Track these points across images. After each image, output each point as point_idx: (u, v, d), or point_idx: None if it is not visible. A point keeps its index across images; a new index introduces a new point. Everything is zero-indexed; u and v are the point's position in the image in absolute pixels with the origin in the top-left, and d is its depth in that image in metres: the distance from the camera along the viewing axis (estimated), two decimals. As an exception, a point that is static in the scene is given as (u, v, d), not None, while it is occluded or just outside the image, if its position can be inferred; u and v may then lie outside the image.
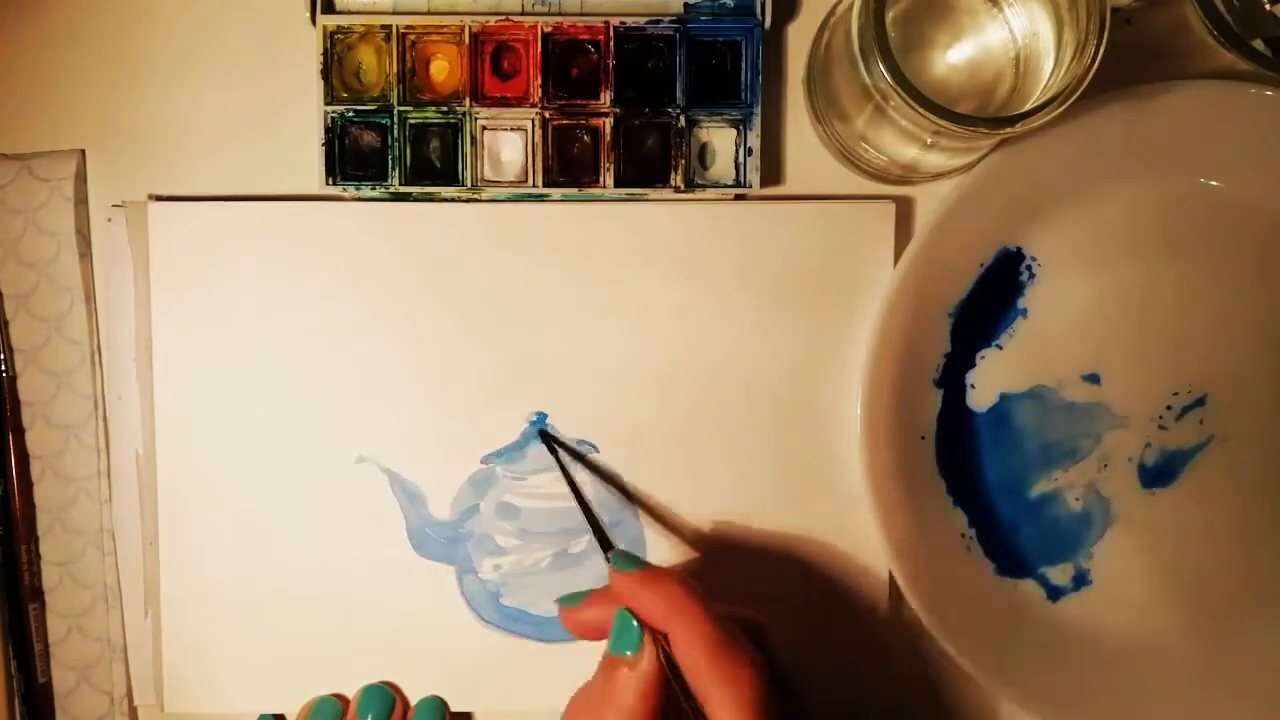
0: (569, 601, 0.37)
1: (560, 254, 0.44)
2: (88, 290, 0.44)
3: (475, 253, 0.44)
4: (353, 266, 0.43)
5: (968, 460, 0.45)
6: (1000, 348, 0.44)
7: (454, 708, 0.44)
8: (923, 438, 0.44)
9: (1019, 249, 0.44)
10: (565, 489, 0.43)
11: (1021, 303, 0.44)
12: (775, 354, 0.44)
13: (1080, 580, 0.45)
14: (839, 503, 0.44)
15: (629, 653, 0.34)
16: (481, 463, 0.44)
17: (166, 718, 0.45)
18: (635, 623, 0.35)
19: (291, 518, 0.44)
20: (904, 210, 0.44)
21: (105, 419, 0.44)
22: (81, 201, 0.44)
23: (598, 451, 0.44)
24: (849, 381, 0.44)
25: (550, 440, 0.43)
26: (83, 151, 0.44)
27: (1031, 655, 0.44)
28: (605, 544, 0.38)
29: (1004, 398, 0.44)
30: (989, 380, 0.44)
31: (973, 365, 0.44)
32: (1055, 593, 0.45)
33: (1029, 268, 0.44)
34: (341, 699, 0.44)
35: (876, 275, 0.43)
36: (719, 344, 0.44)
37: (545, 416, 0.44)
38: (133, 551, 0.44)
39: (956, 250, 0.43)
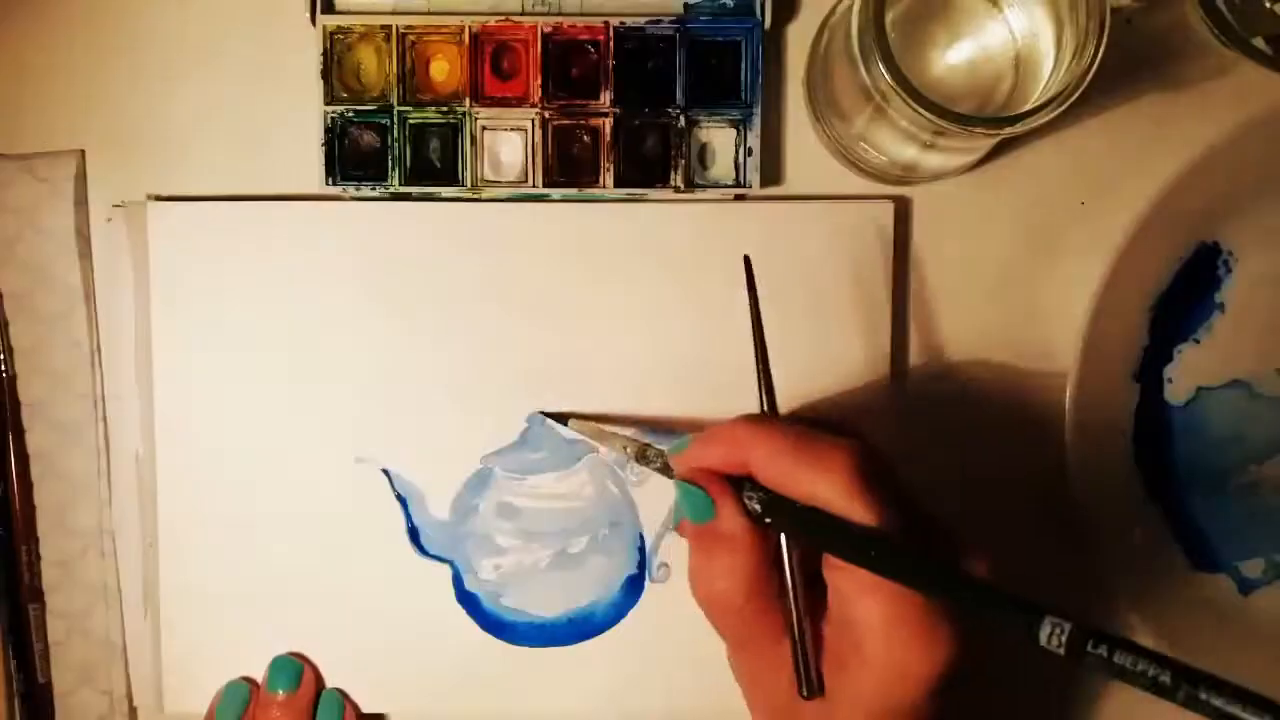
0: (674, 522, 0.38)
1: (560, 254, 0.44)
2: (87, 291, 0.44)
3: (475, 253, 0.43)
4: (352, 266, 0.43)
5: (1164, 454, 0.45)
6: (1197, 341, 0.45)
7: (451, 708, 0.44)
8: (1122, 432, 0.45)
9: (1216, 243, 0.44)
10: (564, 489, 0.43)
11: (1218, 297, 0.45)
12: (774, 353, 0.44)
13: (1274, 573, 0.46)
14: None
15: (709, 518, 0.34)
16: (481, 463, 0.44)
17: (166, 718, 0.44)
18: (698, 488, 0.35)
19: (291, 518, 0.44)
20: (902, 210, 0.44)
21: (105, 419, 0.44)
22: (81, 202, 0.44)
23: (597, 452, 0.44)
24: (846, 380, 0.44)
25: None
26: (82, 152, 0.44)
27: (1223, 648, 0.44)
28: (659, 455, 0.39)
29: (1201, 391, 0.45)
30: (1186, 374, 0.45)
31: (1170, 359, 0.45)
32: (1247, 586, 0.46)
33: (1225, 262, 0.45)
34: (250, 681, 0.44)
35: (875, 274, 0.43)
36: (718, 344, 0.44)
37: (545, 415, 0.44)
38: (132, 552, 0.44)
39: (1158, 246, 0.43)
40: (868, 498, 0.32)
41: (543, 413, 0.43)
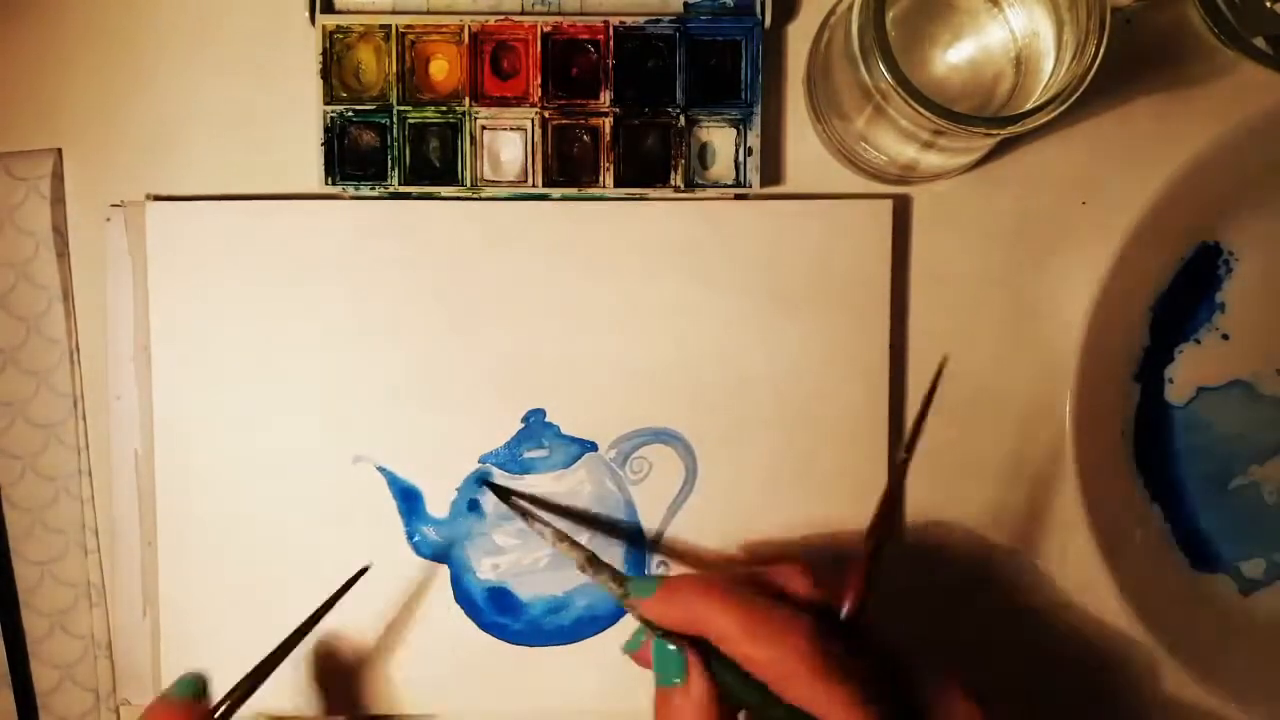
0: (629, 648, 0.37)
1: (560, 254, 0.44)
2: (65, 289, 0.44)
3: (475, 253, 0.43)
4: (352, 266, 0.43)
5: (1165, 455, 0.45)
6: (1198, 342, 0.45)
7: (450, 707, 0.44)
8: (1122, 432, 0.45)
9: (1216, 243, 0.45)
10: (563, 489, 0.44)
11: (1219, 297, 0.45)
12: (774, 352, 0.44)
13: (1274, 573, 0.46)
14: (837, 501, 0.44)
15: (677, 681, 0.34)
16: (479, 462, 0.44)
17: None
18: (672, 648, 0.34)
19: (289, 517, 0.44)
20: (902, 210, 0.44)
21: (84, 417, 0.44)
22: (59, 200, 0.44)
23: (597, 450, 0.44)
24: (845, 379, 0.44)
25: (500, 490, 0.43)
26: (59, 150, 0.44)
27: (1225, 648, 0.44)
28: (619, 578, 0.37)
29: (1201, 392, 0.45)
30: (1187, 374, 0.45)
31: (1171, 360, 0.45)
32: (1248, 586, 0.46)
33: (1225, 262, 0.45)
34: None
35: (875, 274, 0.43)
36: (718, 343, 0.44)
37: (544, 413, 0.44)
38: (130, 551, 0.44)
39: (1158, 246, 0.43)
40: (829, 679, 0.32)
41: (485, 482, 0.43)
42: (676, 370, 0.44)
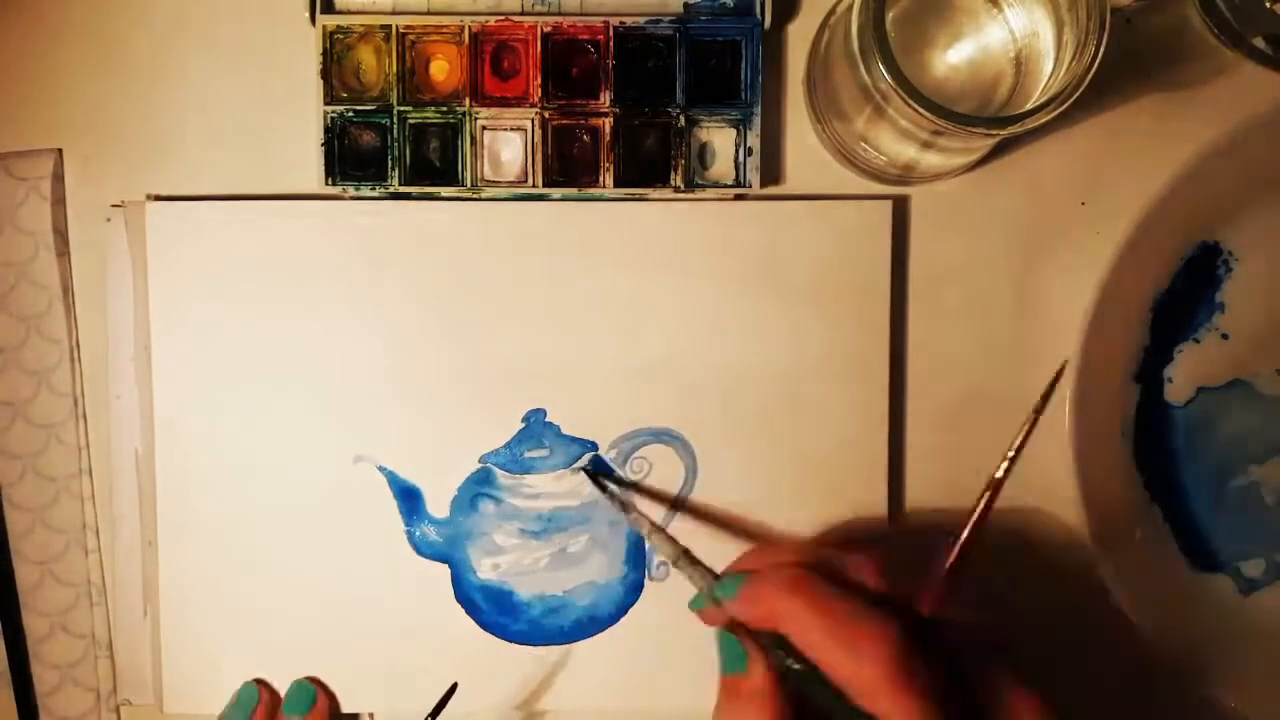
0: (695, 605, 0.38)
1: (560, 254, 0.44)
2: (66, 289, 0.44)
3: (475, 252, 0.43)
4: (352, 266, 0.43)
5: (1165, 454, 0.45)
6: (1198, 341, 0.45)
7: (452, 707, 0.44)
8: (1122, 432, 0.45)
9: (1216, 243, 0.45)
10: (563, 488, 0.43)
11: (1219, 297, 0.45)
12: (773, 353, 0.44)
13: (1274, 573, 0.46)
14: (838, 501, 0.44)
15: (740, 669, 0.34)
16: (480, 462, 0.44)
17: (153, 712, 0.44)
18: (735, 639, 0.35)
19: (289, 517, 0.44)
20: (901, 210, 0.44)
21: (84, 417, 0.44)
22: (59, 201, 0.44)
23: (597, 450, 0.44)
24: (845, 379, 0.44)
25: (598, 478, 0.43)
26: (59, 150, 0.44)
27: (1225, 648, 0.44)
28: (708, 576, 0.38)
29: (1201, 392, 0.45)
30: (1187, 374, 0.45)
31: (1170, 359, 0.45)
32: (1248, 586, 0.46)
33: (1225, 262, 0.45)
34: (262, 684, 0.43)
35: (874, 274, 0.43)
36: (717, 343, 0.44)
37: (544, 413, 0.44)
38: (130, 551, 0.44)
39: (1158, 246, 0.43)
40: (907, 690, 0.32)
41: (585, 470, 0.44)
42: (677, 370, 0.44)
